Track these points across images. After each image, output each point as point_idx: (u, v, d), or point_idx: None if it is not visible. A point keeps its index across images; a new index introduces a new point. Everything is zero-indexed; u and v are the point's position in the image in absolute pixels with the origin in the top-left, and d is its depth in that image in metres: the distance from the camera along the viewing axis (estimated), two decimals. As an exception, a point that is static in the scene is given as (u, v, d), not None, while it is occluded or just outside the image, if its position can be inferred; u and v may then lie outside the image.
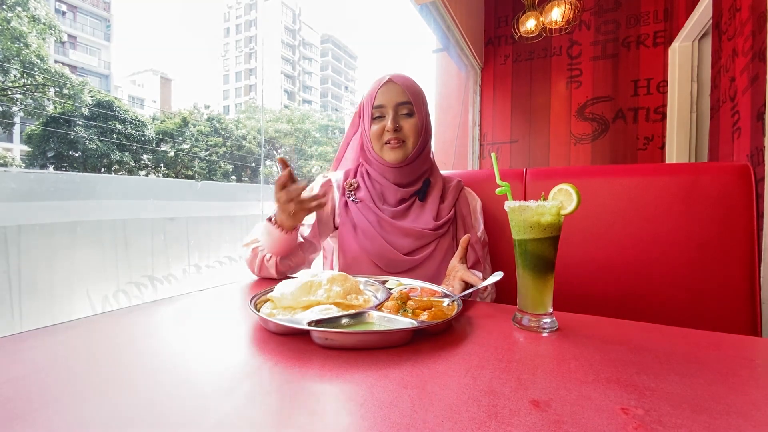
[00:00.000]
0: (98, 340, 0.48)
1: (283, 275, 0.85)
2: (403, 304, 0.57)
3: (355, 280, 0.64)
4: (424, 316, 0.52)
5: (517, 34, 2.42)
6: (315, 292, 0.58)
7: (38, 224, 1.51)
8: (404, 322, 0.50)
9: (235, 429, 0.29)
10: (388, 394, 0.34)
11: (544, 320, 0.53)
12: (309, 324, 0.47)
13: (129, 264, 1.94)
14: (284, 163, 0.80)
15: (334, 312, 0.54)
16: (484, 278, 0.89)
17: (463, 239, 0.78)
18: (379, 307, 0.56)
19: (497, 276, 0.67)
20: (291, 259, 0.85)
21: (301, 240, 0.90)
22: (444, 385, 0.36)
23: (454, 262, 0.78)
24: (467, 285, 0.75)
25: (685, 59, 2.38)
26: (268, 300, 0.60)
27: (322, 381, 0.37)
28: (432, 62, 3.21)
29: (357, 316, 0.53)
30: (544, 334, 0.51)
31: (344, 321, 0.52)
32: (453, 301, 0.59)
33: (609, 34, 2.74)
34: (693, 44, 2.34)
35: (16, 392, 0.34)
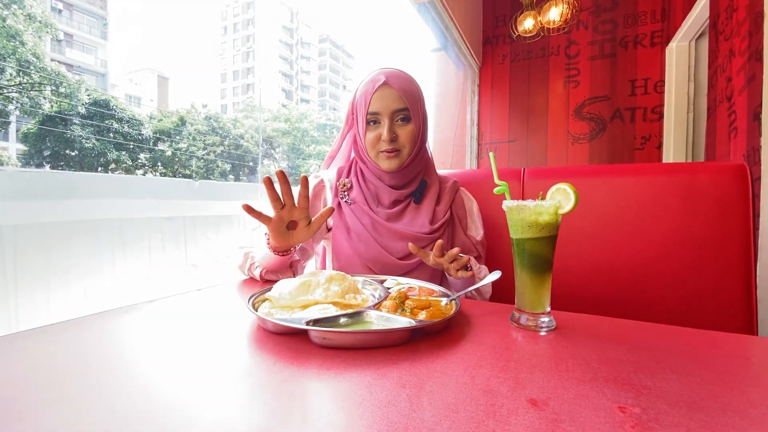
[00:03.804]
0: (96, 340, 0.47)
1: (267, 283, 0.82)
2: (401, 304, 0.57)
3: (354, 280, 0.64)
4: (422, 316, 0.52)
5: (515, 33, 2.42)
6: (313, 291, 0.58)
7: (35, 223, 1.50)
8: (402, 321, 0.50)
9: (234, 428, 0.29)
10: (386, 394, 0.34)
11: (542, 319, 0.53)
12: (307, 323, 0.47)
13: (126, 263, 1.94)
14: (282, 177, 0.69)
15: (332, 311, 0.53)
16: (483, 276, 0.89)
17: (453, 251, 0.74)
18: (377, 306, 0.56)
19: (495, 275, 0.67)
20: (278, 275, 0.81)
21: (297, 258, 0.85)
22: (442, 384, 0.36)
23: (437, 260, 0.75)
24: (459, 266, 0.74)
25: (682, 59, 2.39)
26: (266, 299, 0.60)
27: (320, 380, 0.37)
28: (430, 61, 3.21)
29: (355, 316, 0.53)
30: (542, 333, 0.51)
31: (342, 320, 0.52)
32: (451, 300, 0.59)
33: (607, 34, 2.75)
34: (690, 44, 2.35)
35: (13, 392, 0.34)
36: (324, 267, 1.05)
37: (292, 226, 0.73)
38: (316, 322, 0.49)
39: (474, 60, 2.97)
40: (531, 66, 2.98)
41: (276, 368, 0.39)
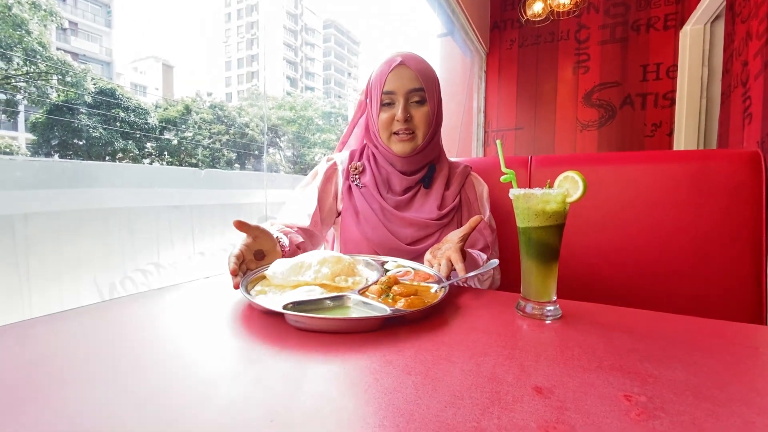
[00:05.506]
0: (107, 327, 0.48)
1: None
2: (387, 289, 0.56)
3: (350, 262, 0.64)
4: (400, 304, 0.51)
5: (523, 17, 2.37)
6: (304, 272, 0.59)
7: (44, 212, 1.52)
8: (379, 308, 0.50)
9: (243, 413, 0.29)
10: (392, 380, 0.34)
11: (548, 308, 0.53)
12: (285, 306, 0.48)
13: (135, 251, 1.96)
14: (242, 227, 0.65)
15: (317, 293, 0.55)
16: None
17: (474, 219, 0.71)
18: (364, 290, 0.57)
19: (492, 264, 0.66)
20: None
21: (300, 240, 0.84)
22: (447, 371, 0.36)
23: (453, 236, 0.71)
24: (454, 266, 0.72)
25: (696, 43, 2.33)
26: (263, 277, 0.62)
27: (328, 366, 0.38)
28: (436, 47, 3.15)
29: (337, 299, 0.54)
30: (548, 322, 0.51)
31: (326, 303, 0.53)
32: (441, 287, 0.58)
33: (618, 17, 2.67)
34: (705, 27, 2.28)
35: (29, 376, 0.35)
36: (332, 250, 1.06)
37: (260, 256, 0.69)
38: (297, 304, 0.50)
39: (481, 45, 2.91)
40: (539, 51, 2.92)
41: (283, 354, 0.40)
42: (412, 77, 0.84)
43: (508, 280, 0.96)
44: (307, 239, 0.89)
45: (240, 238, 0.66)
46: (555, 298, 0.54)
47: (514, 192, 0.56)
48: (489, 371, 0.36)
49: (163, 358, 0.39)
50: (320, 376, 0.36)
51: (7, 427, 0.28)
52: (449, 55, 3.13)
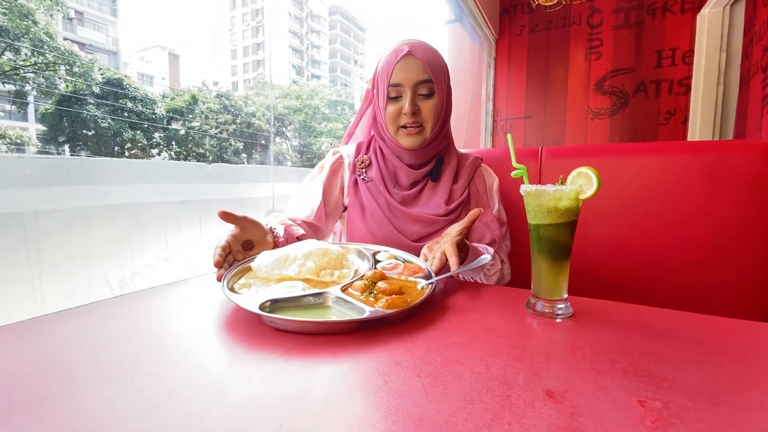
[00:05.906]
0: (116, 323, 0.49)
1: None
2: (372, 285, 0.55)
3: (339, 253, 0.62)
4: (380, 303, 0.49)
5: (534, 2, 2.30)
6: (288, 266, 0.58)
7: (54, 209, 1.54)
8: (358, 308, 0.49)
9: (251, 415, 0.29)
10: (402, 383, 0.34)
11: (559, 306, 0.52)
12: (262, 305, 0.48)
13: (144, 247, 1.98)
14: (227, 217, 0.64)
15: (298, 289, 0.53)
16: (501, 259, 0.88)
17: (473, 212, 0.69)
18: (347, 286, 0.55)
19: (483, 260, 0.64)
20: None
21: (301, 233, 0.82)
22: (457, 373, 0.36)
23: (451, 230, 0.70)
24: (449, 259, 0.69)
25: (714, 27, 2.24)
26: (250, 269, 0.61)
27: (337, 367, 0.37)
28: (444, 34, 3.09)
29: (318, 296, 0.52)
30: (558, 321, 0.50)
31: (306, 300, 0.51)
32: (429, 283, 0.57)
33: (633, 1, 2.58)
34: (724, 10, 2.20)
35: (42, 372, 0.35)
36: None
37: (248, 246, 0.68)
38: (275, 302, 0.49)
39: (490, 31, 2.85)
40: (550, 37, 2.84)
41: (291, 356, 0.40)
42: (420, 68, 0.81)
43: (519, 274, 0.96)
44: (311, 232, 0.88)
45: (227, 229, 0.66)
46: (566, 296, 0.53)
47: (526, 188, 0.55)
48: (499, 374, 0.36)
49: (174, 356, 0.39)
50: (330, 378, 0.36)
51: (22, 423, 0.28)
52: (457, 41, 3.06)
